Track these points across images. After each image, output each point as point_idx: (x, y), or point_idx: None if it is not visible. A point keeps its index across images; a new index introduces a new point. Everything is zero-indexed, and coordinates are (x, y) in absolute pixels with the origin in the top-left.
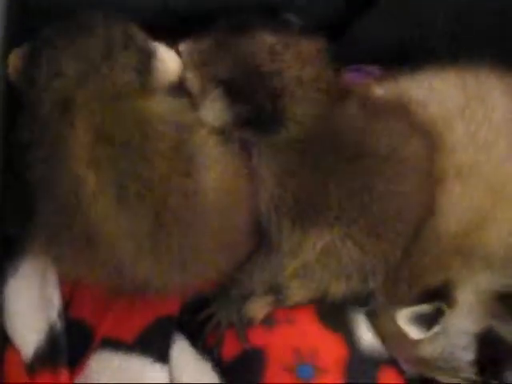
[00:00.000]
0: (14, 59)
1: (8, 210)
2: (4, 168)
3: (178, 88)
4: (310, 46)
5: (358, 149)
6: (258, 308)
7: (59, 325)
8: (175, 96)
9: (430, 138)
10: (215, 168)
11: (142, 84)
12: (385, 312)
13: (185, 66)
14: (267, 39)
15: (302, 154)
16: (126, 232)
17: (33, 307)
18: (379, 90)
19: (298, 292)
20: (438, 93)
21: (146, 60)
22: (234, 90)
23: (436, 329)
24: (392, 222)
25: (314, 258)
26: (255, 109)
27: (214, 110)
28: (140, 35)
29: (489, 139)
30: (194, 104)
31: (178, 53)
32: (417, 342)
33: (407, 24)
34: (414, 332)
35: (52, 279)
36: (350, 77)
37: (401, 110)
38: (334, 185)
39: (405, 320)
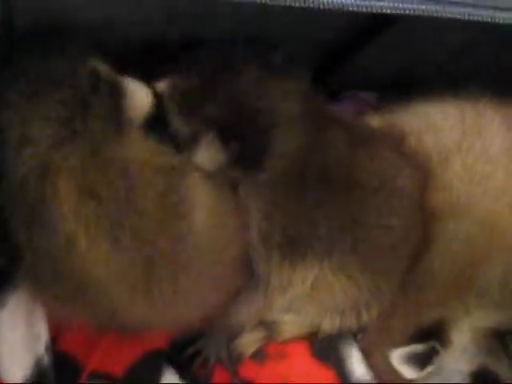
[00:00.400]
0: None
1: None
2: None
3: (153, 124)
4: (295, 81)
5: (347, 180)
6: (248, 343)
7: (46, 359)
8: (151, 134)
9: (422, 169)
10: (206, 207)
11: (117, 129)
12: (378, 350)
13: (168, 108)
14: (254, 75)
15: (287, 187)
16: (118, 277)
17: (20, 341)
18: (373, 120)
19: (289, 328)
20: (434, 125)
21: (118, 100)
22: (226, 131)
23: (430, 369)
24: (385, 256)
25: (305, 293)
26: (246, 147)
27: (209, 154)
28: (105, 70)
29: (486, 172)
30: (179, 145)
31: (153, 89)
32: (411, 381)
33: (408, 55)
34: (407, 372)
35: (39, 313)
36: (344, 104)
37: (393, 140)
38: (323, 217)
39: (398, 360)
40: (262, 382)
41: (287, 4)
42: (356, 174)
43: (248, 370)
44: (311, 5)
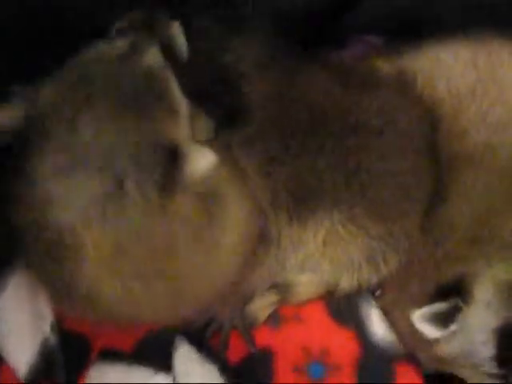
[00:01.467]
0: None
1: None
2: None
3: None
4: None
5: (345, 124)
6: (262, 308)
7: (53, 339)
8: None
9: (433, 113)
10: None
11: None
12: (397, 309)
13: None
14: (216, 33)
15: (280, 140)
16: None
17: (24, 323)
18: (380, 64)
19: (304, 289)
20: (446, 68)
21: (171, 165)
22: (203, 98)
23: (453, 327)
24: (396, 201)
25: (318, 251)
26: (224, 106)
27: (200, 128)
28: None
29: (503, 120)
30: None
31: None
32: (434, 341)
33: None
34: (430, 331)
35: (42, 293)
36: (351, 48)
37: (400, 83)
38: (325, 166)
39: (420, 320)
40: (279, 346)
41: None
42: (356, 117)
43: (264, 336)
44: None
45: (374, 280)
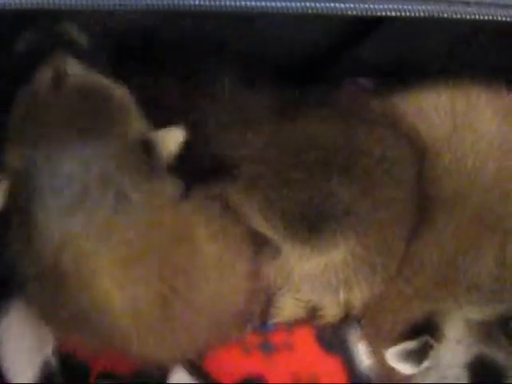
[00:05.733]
0: None
1: None
2: None
3: None
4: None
5: (349, 153)
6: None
7: (54, 362)
8: None
9: (419, 151)
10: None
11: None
12: (373, 345)
13: None
14: None
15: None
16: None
17: (26, 346)
18: (372, 103)
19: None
20: (426, 117)
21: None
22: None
23: (426, 363)
24: (386, 230)
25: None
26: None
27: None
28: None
29: (476, 166)
30: None
31: None
32: (409, 377)
33: (405, 47)
34: (404, 369)
35: None
36: (346, 89)
37: (392, 120)
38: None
39: (394, 358)
40: (271, 373)
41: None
42: (357, 143)
43: (257, 363)
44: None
45: (353, 305)
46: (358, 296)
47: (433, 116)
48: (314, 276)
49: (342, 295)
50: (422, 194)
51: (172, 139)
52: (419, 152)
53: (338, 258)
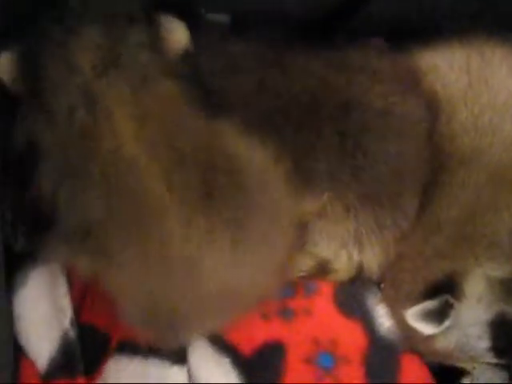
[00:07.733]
0: (6, 63)
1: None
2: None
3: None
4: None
5: (339, 103)
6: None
7: (72, 332)
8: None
9: (432, 108)
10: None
11: (158, 64)
12: (393, 306)
13: None
14: None
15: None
16: (177, 201)
17: (44, 317)
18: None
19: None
20: (442, 75)
21: (155, 32)
22: None
23: (447, 323)
24: (388, 186)
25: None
26: None
27: None
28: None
29: (493, 123)
30: None
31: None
32: (430, 337)
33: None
34: (425, 328)
35: (62, 287)
36: None
37: (402, 75)
38: (322, 148)
39: (414, 318)
40: (291, 338)
41: None
42: (355, 95)
43: (276, 329)
44: None
45: (367, 265)
46: (371, 255)
47: (448, 73)
48: (319, 228)
49: (351, 249)
50: (437, 151)
51: (179, 27)
52: (433, 108)
53: (345, 215)
